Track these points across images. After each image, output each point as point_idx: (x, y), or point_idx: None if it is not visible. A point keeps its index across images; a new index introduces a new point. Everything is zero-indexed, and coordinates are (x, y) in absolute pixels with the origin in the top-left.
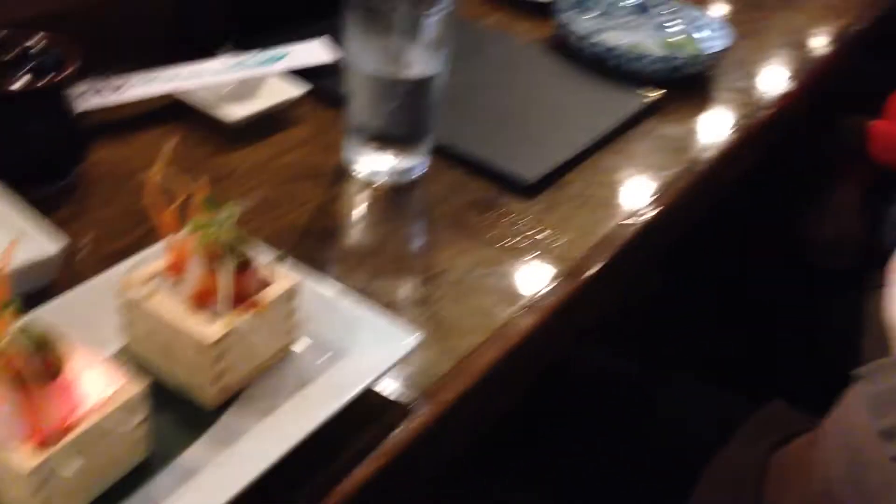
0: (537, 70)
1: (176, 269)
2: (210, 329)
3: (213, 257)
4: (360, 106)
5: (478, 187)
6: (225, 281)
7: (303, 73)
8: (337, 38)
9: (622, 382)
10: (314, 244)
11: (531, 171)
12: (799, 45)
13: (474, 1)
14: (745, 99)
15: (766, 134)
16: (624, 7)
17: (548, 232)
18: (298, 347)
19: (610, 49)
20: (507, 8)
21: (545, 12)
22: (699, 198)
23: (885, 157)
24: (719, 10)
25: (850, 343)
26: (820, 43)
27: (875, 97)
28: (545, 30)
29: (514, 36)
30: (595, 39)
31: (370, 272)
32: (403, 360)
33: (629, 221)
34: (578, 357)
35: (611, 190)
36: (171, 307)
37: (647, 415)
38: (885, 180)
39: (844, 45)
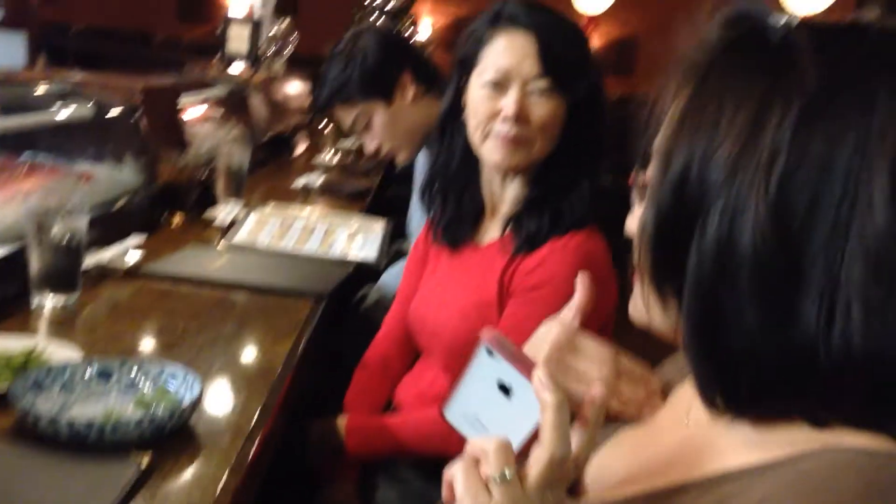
0: (6, 471)
1: None
2: None
3: None
4: None
5: None
6: None
7: None
8: None
9: None
10: None
11: None
12: (262, 370)
13: None
14: (232, 435)
15: (259, 460)
16: (85, 378)
17: None
18: None
19: (85, 424)
20: None
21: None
22: None
23: (361, 452)
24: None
25: None
26: (276, 364)
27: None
28: (4, 422)
29: None
30: (65, 418)
31: None
32: None
33: None
34: None
35: None
36: None
37: None
38: (368, 470)
39: (297, 364)
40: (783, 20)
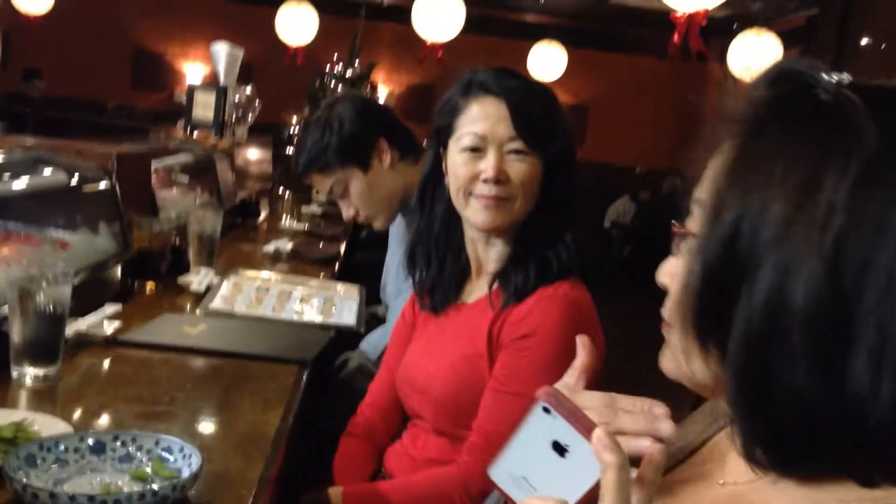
0: None
1: None
2: None
3: None
4: None
5: None
6: None
7: None
8: None
9: None
10: None
11: None
12: (255, 439)
13: None
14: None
15: None
16: (78, 450)
17: None
18: None
19: (87, 498)
20: None
21: None
22: None
23: None
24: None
25: None
26: (269, 432)
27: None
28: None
29: None
30: (63, 494)
31: None
32: None
33: None
34: None
35: None
36: None
37: None
38: None
39: (289, 432)
40: (833, 79)
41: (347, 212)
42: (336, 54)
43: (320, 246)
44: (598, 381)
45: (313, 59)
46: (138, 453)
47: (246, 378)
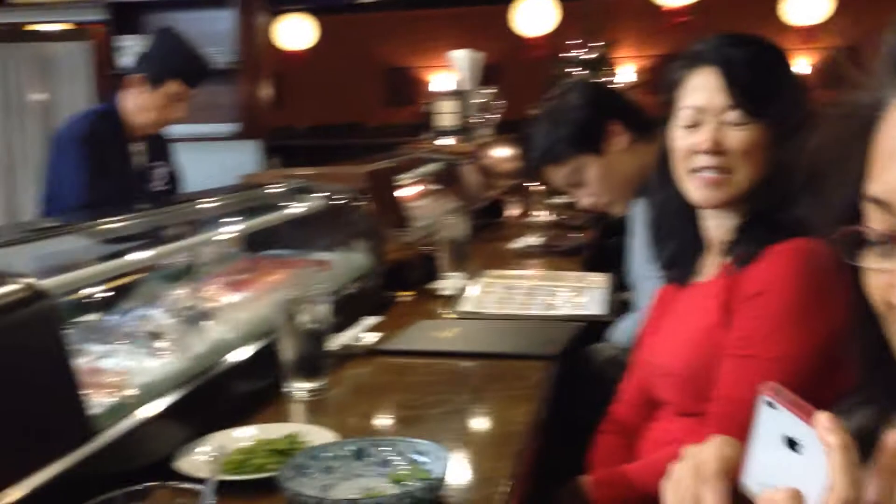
0: None
1: None
2: None
3: None
4: None
5: None
6: None
7: None
8: None
9: None
10: None
11: None
12: (502, 438)
13: None
14: None
15: None
16: (342, 457)
17: None
18: None
19: (349, 502)
20: None
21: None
22: None
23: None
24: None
25: None
26: (515, 430)
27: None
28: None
29: None
30: (328, 500)
31: None
32: None
33: None
34: None
35: None
36: None
37: None
38: None
39: (538, 427)
40: None
41: (585, 201)
42: (578, 39)
43: (569, 237)
44: None
45: (556, 49)
46: (396, 458)
47: (494, 378)
